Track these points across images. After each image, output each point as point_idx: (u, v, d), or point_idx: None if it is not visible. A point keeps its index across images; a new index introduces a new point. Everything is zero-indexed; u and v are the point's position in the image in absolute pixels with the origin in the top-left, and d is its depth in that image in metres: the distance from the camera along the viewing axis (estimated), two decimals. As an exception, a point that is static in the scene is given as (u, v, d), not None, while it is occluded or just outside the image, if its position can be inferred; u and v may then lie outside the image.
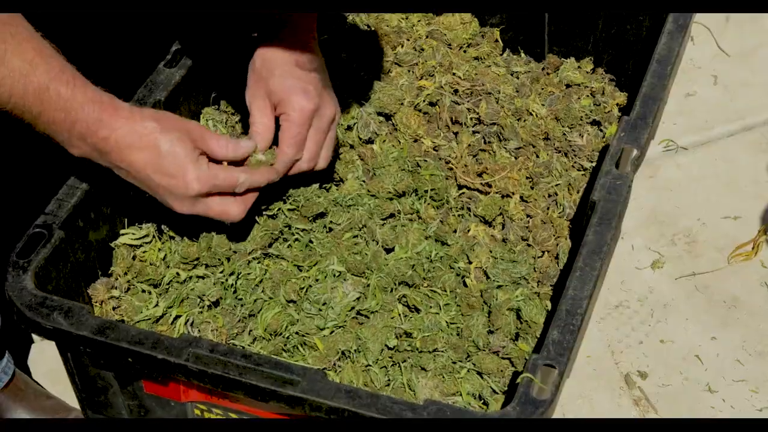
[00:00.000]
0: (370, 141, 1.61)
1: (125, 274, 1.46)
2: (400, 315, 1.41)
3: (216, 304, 1.42)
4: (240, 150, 1.35)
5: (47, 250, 1.34)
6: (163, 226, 1.48)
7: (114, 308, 1.43)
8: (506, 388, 1.35)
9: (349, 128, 1.62)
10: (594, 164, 1.58)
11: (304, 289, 1.43)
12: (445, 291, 1.44)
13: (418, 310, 1.42)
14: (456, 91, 1.66)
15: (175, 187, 1.29)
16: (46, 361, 1.83)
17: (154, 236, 1.48)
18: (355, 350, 1.38)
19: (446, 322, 1.41)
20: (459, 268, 1.46)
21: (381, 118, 1.63)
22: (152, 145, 1.27)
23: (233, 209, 1.34)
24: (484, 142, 1.60)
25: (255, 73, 1.40)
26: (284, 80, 1.38)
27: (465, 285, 1.45)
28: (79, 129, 1.24)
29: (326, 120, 1.41)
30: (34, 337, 1.86)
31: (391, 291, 1.44)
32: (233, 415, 1.30)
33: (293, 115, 1.38)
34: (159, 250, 1.47)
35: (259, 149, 1.38)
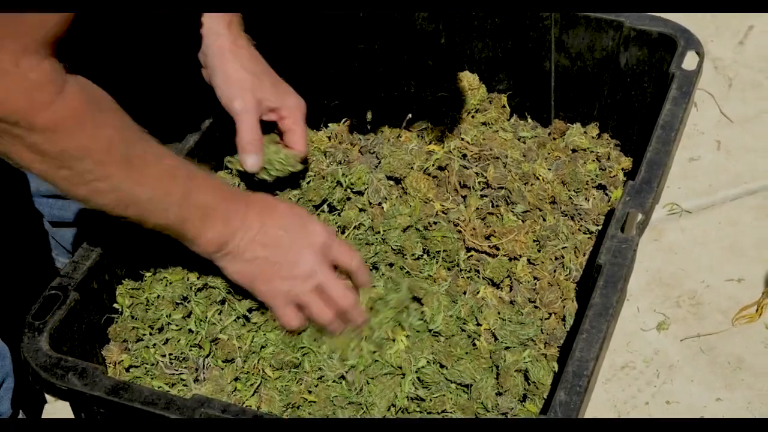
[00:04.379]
0: (380, 204, 1.61)
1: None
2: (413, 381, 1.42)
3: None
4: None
5: (62, 312, 1.34)
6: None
7: (128, 368, 1.42)
8: (514, 450, 1.33)
9: (360, 193, 1.62)
10: (600, 228, 1.57)
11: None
12: (456, 352, 1.43)
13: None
14: (464, 155, 1.66)
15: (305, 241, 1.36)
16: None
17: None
18: (361, 405, 1.38)
19: (456, 383, 1.40)
20: (469, 329, 1.46)
21: (391, 182, 1.63)
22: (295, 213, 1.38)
23: (327, 312, 1.39)
24: (492, 206, 1.60)
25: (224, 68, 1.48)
26: (264, 81, 1.49)
27: (475, 346, 1.44)
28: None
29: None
30: (47, 396, 1.85)
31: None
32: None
33: (297, 114, 1.51)
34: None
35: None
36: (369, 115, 1.80)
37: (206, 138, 1.58)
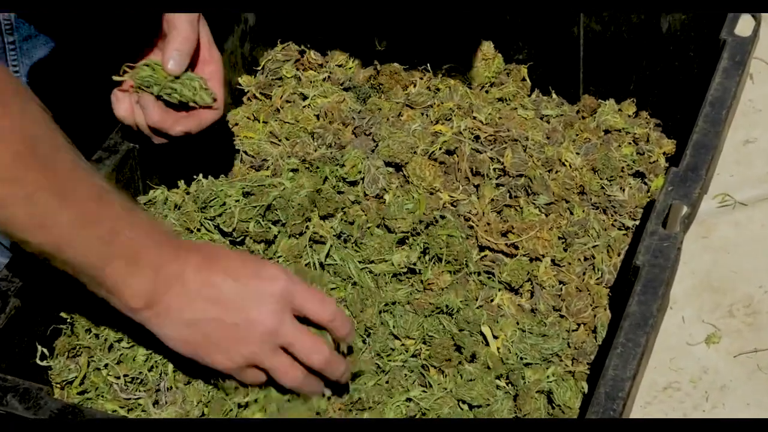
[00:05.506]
0: (379, 197, 1.61)
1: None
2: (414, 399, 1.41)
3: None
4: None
5: (0, 322, 1.33)
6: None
7: (79, 393, 1.41)
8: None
9: (353, 183, 1.62)
10: (637, 223, 1.58)
11: None
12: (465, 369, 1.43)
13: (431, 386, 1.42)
14: (477, 137, 1.66)
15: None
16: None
17: None
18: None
19: (467, 405, 1.40)
20: (481, 342, 1.46)
21: (390, 170, 1.63)
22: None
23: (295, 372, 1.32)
24: (510, 197, 1.61)
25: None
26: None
27: (488, 366, 1.44)
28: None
29: None
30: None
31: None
32: None
33: (217, 56, 1.50)
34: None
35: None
36: (365, 90, 1.80)
37: (126, 162, 1.54)
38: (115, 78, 1.49)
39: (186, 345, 1.28)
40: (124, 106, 1.48)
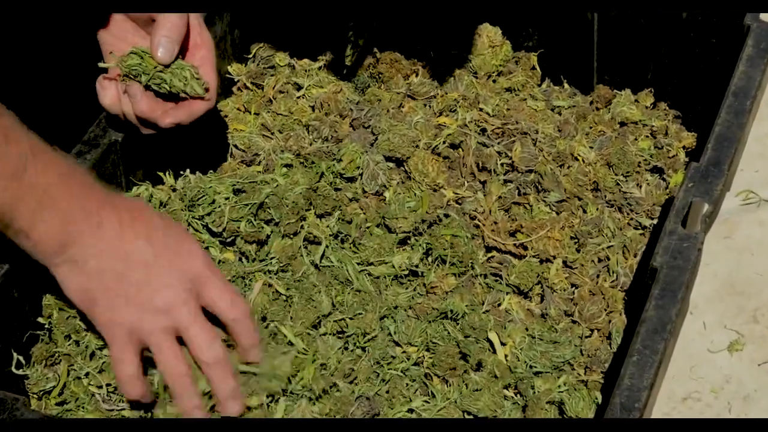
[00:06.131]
0: (379, 195, 1.62)
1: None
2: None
3: None
4: None
5: None
6: None
7: (58, 404, 1.41)
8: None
9: (351, 180, 1.62)
10: (655, 222, 1.58)
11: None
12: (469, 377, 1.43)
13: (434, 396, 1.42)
14: (483, 130, 1.66)
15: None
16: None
17: None
18: None
19: (473, 416, 1.40)
20: (487, 350, 1.45)
21: (391, 165, 1.63)
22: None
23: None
24: (519, 194, 1.61)
25: None
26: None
27: (495, 375, 1.44)
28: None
29: None
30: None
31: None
32: None
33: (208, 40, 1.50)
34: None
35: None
36: (364, 79, 1.80)
37: (108, 157, 1.54)
38: (101, 65, 1.50)
39: (84, 295, 1.28)
40: (110, 94, 1.48)
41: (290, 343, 1.42)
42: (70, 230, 1.25)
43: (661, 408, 1.84)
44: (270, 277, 1.50)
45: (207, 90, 1.48)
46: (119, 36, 1.49)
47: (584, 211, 1.59)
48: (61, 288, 1.29)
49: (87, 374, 1.42)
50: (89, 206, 1.26)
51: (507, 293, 1.52)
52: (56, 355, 1.43)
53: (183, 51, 1.49)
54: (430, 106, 1.73)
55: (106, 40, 1.49)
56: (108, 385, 1.41)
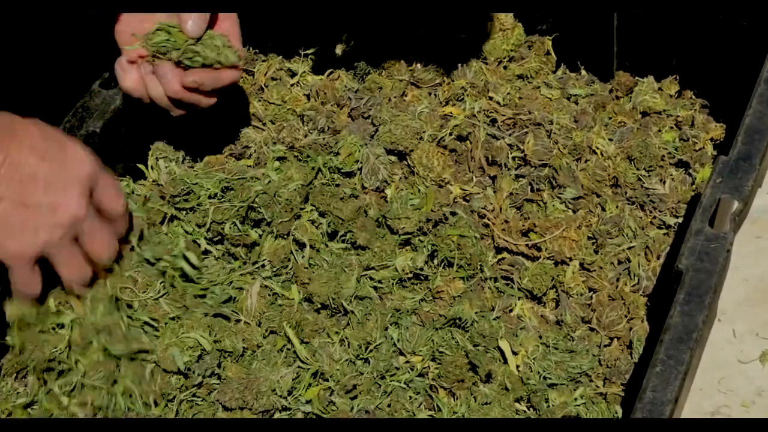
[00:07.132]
0: (380, 191, 1.62)
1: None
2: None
3: None
4: None
5: None
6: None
7: (26, 407, 1.42)
8: None
9: (349, 175, 1.63)
10: (680, 220, 1.58)
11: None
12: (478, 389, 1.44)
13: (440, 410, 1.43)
14: (493, 121, 1.66)
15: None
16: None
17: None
18: None
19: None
20: (498, 360, 1.46)
21: (393, 158, 1.64)
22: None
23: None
24: (532, 190, 1.61)
25: None
26: None
27: (506, 387, 1.45)
28: None
29: None
30: None
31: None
32: None
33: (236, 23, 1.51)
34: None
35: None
36: (362, 65, 1.80)
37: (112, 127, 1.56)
38: (126, 48, 1.50)
39: None
40: (132, 77, 1.51)
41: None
42: None
43: (687, 423, 1.86)
44: (264, 281, 1.52)
45: (240, 58, 1.49)
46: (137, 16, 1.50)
47: (603, 209, 1.59)
48: None
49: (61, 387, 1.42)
50: None
51: (519, 298, 1.52)
52: (26, 366, 1.43)
53: (209, 24, 1.51)
54: (435, 95, 1.73)
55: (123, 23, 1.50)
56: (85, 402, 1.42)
